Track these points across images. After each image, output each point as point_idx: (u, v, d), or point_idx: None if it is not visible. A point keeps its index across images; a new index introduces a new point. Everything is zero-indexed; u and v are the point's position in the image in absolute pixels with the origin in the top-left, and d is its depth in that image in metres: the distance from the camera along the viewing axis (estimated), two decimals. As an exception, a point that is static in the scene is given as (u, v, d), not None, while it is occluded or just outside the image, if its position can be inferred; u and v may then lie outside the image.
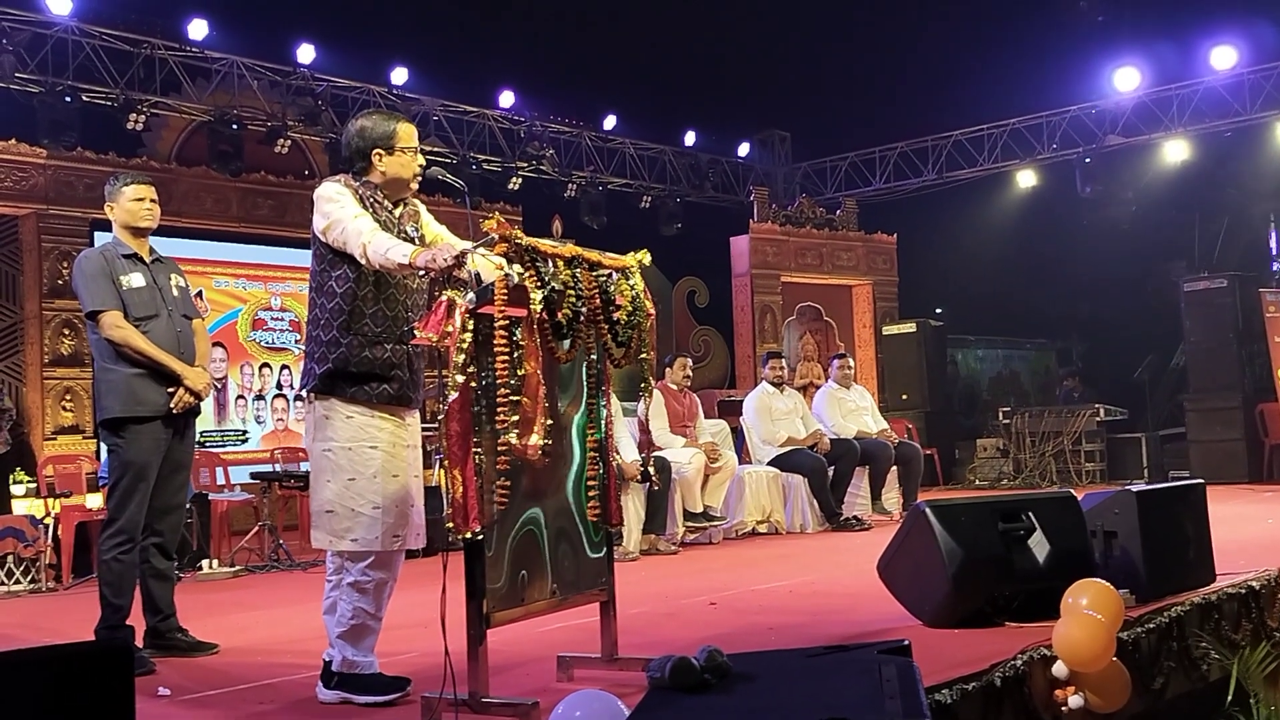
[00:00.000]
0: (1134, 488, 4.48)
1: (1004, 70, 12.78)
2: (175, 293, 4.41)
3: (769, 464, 8.34)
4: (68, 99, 9.04)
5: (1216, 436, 10.98)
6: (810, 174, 15.00)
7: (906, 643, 2.91)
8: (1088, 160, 12.37)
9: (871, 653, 2.84)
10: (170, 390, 4.25)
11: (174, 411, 4.26)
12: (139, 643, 4.25)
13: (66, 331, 9.21)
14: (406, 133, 3.52)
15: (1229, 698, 4.15)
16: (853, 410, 9.02)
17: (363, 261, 3.29)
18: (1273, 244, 14.10)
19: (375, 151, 3.48)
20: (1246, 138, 12.19)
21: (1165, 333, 13.24)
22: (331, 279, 3.42)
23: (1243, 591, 4.53)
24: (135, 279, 4.29)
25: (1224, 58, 11.59)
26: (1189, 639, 4.18)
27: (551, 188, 12.45)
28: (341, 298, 3.40)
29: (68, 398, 9.22)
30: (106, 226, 4.52)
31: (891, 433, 9.08)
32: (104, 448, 4.92)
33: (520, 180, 12.04)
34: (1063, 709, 3.46)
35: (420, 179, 3.58)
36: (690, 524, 7.44)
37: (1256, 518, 7.44)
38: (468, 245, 3.15)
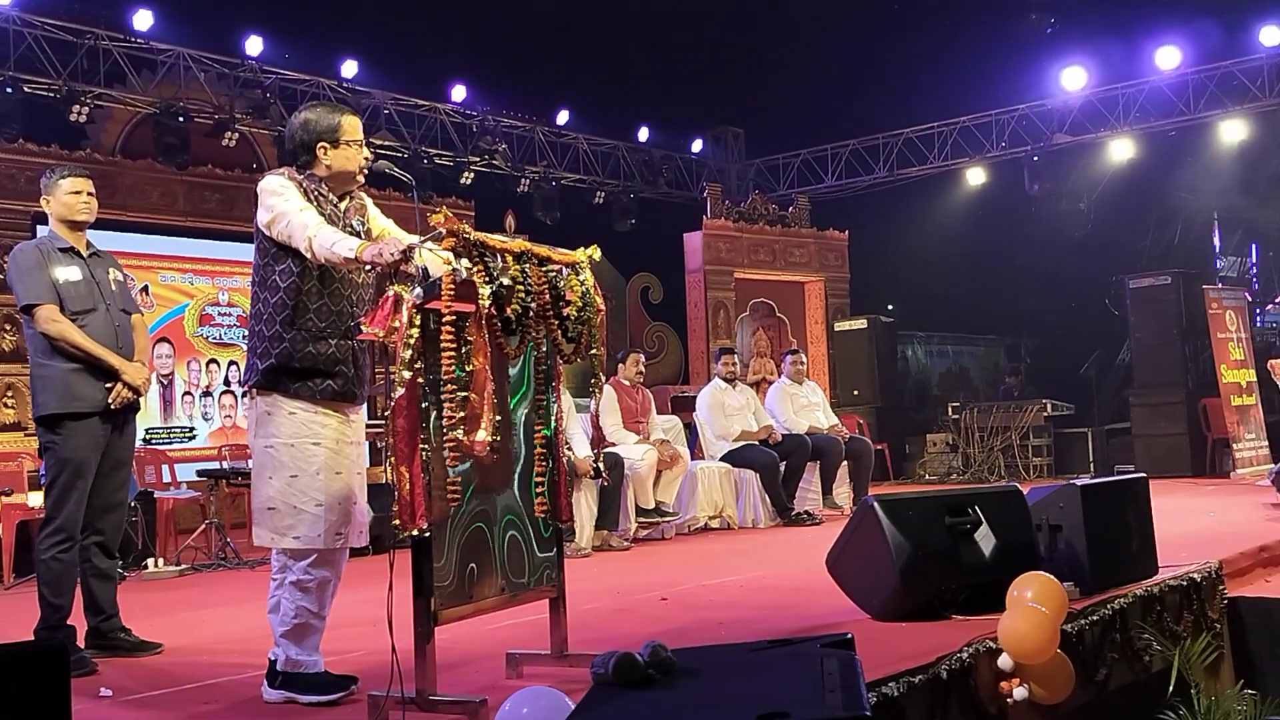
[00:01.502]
0: (1078, 482, 4.54)
1: (954, 69, 12.90)
2: (113, 287, 4.34)
3: (721, 459, 8.36)
4: (9, 90, 8.86)
5: (1160, 431, 11.16)
6: (763, 170, 15.07)
7: (849, 636, 2.93)
8: (1036, 158, 12.54)
9: (814, 646, 2.85)
10: (108, 385, 4.18)
11: (112, 407, 4.18)
12: (81, 643, 4.18)
13: (8, 327, 9.02)
14: (351, 125, 3.48)
15: (1170, 688, 4.22)
16: (805, 406, 9.07)
17: (308, 256, 3.24)
18: (1216, 242, 14.35)
19: (320, 145, 3.44)
20: (1190, 137, 12.42)
21: (1112, 329, 13.44)
22: (275, 273, 3.37)
23: (1184, 583, 4.61)
24: (72, 273, 4.21)
25: (1169, 58, 11.79)
26: (1132, 631, 4.24)
27: (504, 183, 12.39)
28: (285, 292, 3.36)
29: (9, 394, 9.04)
30: (48, 220, 4.43)
31: (842, 428, 9.14)
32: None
33: (472, 175, 11.98)
34: (1008, 701, 3.50)
35: (367, 172, 3.54)
36: (643, 520, 7.45)
37: (1198, 511, 7.57)
38: (415, 239, 3.12)
